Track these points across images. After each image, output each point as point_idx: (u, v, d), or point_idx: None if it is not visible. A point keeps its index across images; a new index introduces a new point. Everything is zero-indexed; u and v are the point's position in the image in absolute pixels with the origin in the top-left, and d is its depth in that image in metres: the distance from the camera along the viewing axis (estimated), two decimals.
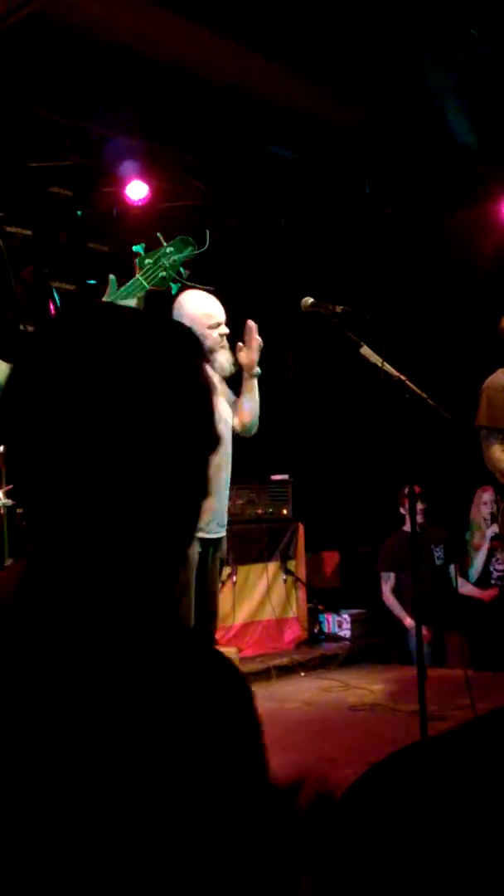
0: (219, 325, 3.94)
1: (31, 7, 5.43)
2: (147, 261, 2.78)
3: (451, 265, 7.27)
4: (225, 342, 3.98)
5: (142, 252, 2.78)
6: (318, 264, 7.36)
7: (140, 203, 6.64)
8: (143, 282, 2.76)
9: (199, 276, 3.29)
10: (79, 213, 6.63)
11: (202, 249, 2.90)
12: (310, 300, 3.84)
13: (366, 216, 7.52)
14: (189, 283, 2.87)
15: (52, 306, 6.64)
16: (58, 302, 6.66)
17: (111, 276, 2.76)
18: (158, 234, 2.81)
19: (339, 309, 3.71)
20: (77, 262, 6.71)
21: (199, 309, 3.91)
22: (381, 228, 7.55)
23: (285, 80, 6.06)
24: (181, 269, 2.82)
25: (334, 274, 6.96)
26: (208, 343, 3.87)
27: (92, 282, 6.76)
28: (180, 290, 3.02)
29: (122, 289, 2.75)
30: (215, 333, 3.92)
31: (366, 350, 3.59)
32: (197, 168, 6.93)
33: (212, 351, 3.87)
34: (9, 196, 6.23)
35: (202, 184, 6.99)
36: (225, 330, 3.97)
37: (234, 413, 4.04)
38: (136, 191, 6.60)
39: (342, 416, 7.83)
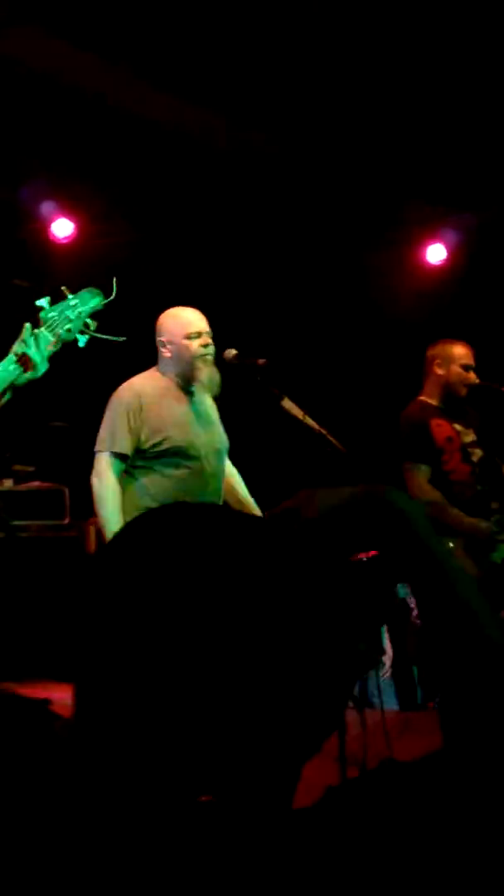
0: (199, 335, 3.74)
1: None
2: (51, 314, 2.71)
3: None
4: (209, 357, 3.75)
5: (45, 305, 2.71)
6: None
7: (66, 241, 6.56)
8: (48, 334, 2.69)
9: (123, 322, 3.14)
10: None
11: (110, 299, 2.83)
12: (233, 352, 3.76)
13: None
14: (97, 335, 2.80)
15: None
16: None
17: (26, 324, 2.69)
18: (63, 288, 2.75)
19: (261, 362, 3.66)
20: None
21: (178, 319, 3.78)
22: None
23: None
24: (88, 321, 2.76)
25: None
26: (188, 354, 3.72)
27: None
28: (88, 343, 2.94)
29: (29, 339, 2.68)
30: (196, 344, 3.72)
31: (287, 403, 3.56)
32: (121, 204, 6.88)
33: (194, 363, 3.72)
34: None
35: (127, 220, 6.93)
36: (208, 340, 3.74)
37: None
38: (62, 228, 6.53)
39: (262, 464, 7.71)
